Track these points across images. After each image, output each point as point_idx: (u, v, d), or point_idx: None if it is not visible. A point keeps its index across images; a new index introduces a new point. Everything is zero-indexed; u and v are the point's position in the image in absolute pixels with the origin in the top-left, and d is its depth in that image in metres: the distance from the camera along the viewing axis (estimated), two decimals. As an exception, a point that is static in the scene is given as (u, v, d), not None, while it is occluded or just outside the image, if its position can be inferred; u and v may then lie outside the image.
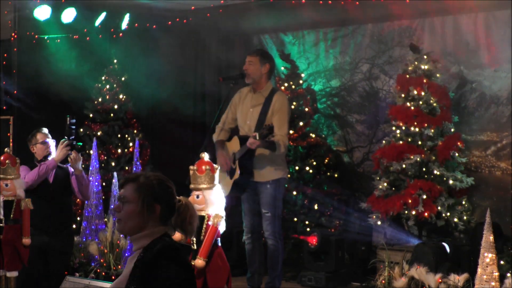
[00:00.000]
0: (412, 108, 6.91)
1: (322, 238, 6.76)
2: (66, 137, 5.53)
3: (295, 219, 7.57)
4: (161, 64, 8.62)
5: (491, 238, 4.44)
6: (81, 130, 7.94)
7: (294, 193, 7.62)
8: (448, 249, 6.23)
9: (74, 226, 6.68)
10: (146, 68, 8.55)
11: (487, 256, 4.41)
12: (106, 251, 6.55)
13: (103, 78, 8.21)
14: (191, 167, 4.67)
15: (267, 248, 5.89)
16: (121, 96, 8.21)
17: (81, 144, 5.63)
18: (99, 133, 8.02)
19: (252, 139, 5.46)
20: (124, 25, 8.32)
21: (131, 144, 8.09)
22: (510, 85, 7.15)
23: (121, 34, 8.48)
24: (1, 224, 5.09)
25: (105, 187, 7.49)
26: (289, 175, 6.02)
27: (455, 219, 6.72)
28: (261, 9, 8.06)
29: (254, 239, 5.90)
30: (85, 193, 5.71)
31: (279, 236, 5.82)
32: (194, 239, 4.61)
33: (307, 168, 7.74)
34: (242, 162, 5.74)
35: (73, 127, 5.51)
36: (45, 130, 5.73)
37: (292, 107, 7.57)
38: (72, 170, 5.61)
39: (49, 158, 5.57)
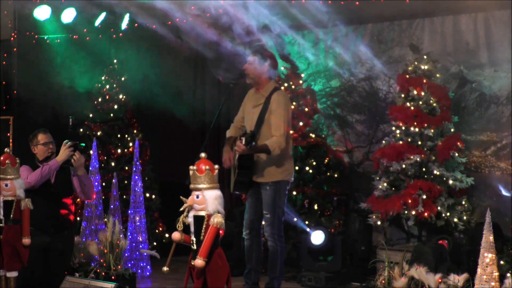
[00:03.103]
0: (412, 108, 6.91)
1: (328, 238, 6.77)
2: (68, 138, 5.53)
3: (295, 219, 7.56)
4: (160, 64, 8.61)
5: (491, 238, 4.44)
6: (81, 130, 7.94)
7: (294, 193, 7.62)
8: (448, 246, 6.23)
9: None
10: (146, 68, 8.54)
11: (487, 256, 4.40)
12: (106, 251, 6.55)
13: (103, 78, 8.20)
14: (191, 167, 4.65)
15: (268, 248, 5.89)
16: (121, 96, 8.21)
17: (84, 145, 5.62)
18: (99, 133, 8.02)
19: (238, 144, 5.46)
20: (124, 25, 8.31)
21: (131, 144, 8.09)
22: (510, 85, 7.15)
23: (121, 34, 8.48)
24: (1, 224, 5.08)
25: (105, 187, 7.50)
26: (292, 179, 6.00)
27: (455, 219, 6.72)
28: (261, 9, 8.05)
29: (253, 235, 5.89)
30: (89, 194, 5.70)
31: (279, 238, 5.80)
32: (194, 239, 4.61)
33: (307, 168, 7.73)
34: (241, 162, 5.73)
35: (76, 128, 5.51)
36: (46, 131, 5.72)
37: (292, 107, 7.56)
38: (74, 170, 5.61)
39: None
